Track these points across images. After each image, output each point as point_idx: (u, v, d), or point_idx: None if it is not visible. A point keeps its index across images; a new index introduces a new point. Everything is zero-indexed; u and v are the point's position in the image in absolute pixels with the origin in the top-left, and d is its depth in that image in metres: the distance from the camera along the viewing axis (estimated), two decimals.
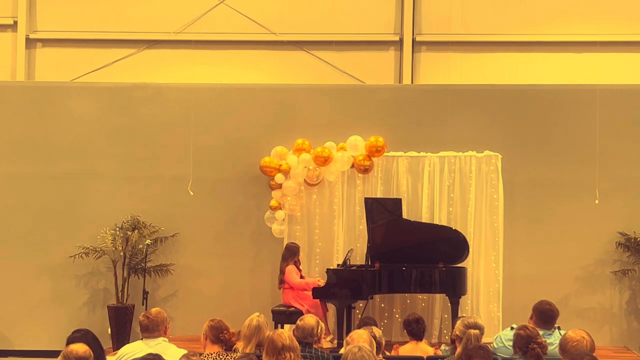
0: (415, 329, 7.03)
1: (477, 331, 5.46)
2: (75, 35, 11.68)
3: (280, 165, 10.14)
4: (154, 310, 5.85)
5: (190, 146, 10.45)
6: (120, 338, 9.70)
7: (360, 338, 5.25)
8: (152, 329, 5.71)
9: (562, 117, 10.37)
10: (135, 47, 11.67)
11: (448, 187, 10.06)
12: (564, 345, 5.16)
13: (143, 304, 9.63)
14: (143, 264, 10.02)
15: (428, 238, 9.40)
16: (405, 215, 9.73)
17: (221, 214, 10.53)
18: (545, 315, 6.41)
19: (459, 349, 5.51)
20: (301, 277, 9.59)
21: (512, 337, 5.72)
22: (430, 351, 6.97)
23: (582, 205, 10.18)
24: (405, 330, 7.25)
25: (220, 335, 5.56)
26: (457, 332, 5.74)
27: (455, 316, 8.81)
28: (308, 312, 8.64)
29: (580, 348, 5.04)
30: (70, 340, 5.20)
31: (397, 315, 9.91)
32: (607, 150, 10.22)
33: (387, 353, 6.66)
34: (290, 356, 4.99)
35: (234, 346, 5.69)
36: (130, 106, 10.71)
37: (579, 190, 10.20)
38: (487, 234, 9.97)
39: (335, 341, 9.21)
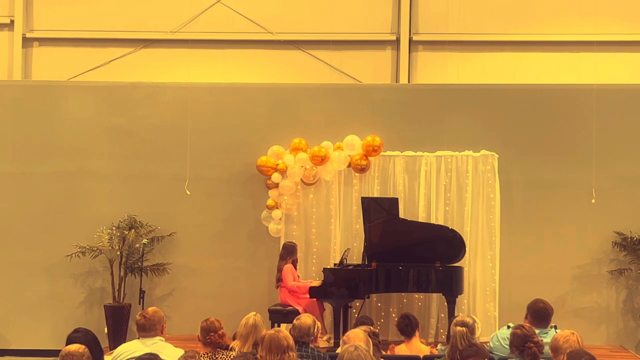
0: (402, 326, 7.03)
1: (462, 329, 5.47)
2: (72, 35, 11.68)
3: (277, 164, 10.15)
4: (150, 309, 5.87)
5: (187, 145, 10.45)
6: (117, 337, 9.70)
7: (356, 337, 5.25)
8: (148, 328, 5.73)
9: (559, 117, 10.38)
10: (132, 46, 11.67)
11: (445, 186, 10.06)
12: (555, 345, 5.18)
13: (140, 303, 9.63)
14: (140, 263, 10.02)
15: (425, 237, 9.41)
16: (402, 215, 9.74)
17: (218, 213, 10.53)
18: (540, 313, 6.44)
19: (447, 348, 5.54)
20: (298, 276, 9.61)
21: (508, 336, 5.73)
22: (426, 350, 6.99)
23: (579, 205, 10.19)
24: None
25: (207, 337, 5.58)
26: (451, 332, 5.76)
27: (451, 315, 8.79)
28: (305, 311, 8.64)
29: (572, 343, 5.07)
30: (70, 340, 5.22)
31: (393, 315, 9.91)
32: (604, 149, 10.24)
33: (384, 352, 6.67)
34: (292, 356, 5.02)
35: (230, 345, 5.70)
36: (127, 105, 10.71)
37: (575, 190, 10.22)
38: (483, 233, 9.99)
39: (332, 340, 9.22)
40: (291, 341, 5.09)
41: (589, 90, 10.33)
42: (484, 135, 10.29)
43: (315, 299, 9.28)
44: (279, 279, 9.45)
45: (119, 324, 9.90)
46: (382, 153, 10.11)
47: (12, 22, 11.73)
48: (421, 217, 9.98)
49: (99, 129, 10.67)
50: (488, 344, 6.42)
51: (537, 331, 5.72)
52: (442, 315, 9.79)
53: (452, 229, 9.49)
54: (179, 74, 11.38)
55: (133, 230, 10.11)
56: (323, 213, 10.23)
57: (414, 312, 8.89)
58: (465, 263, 9.62)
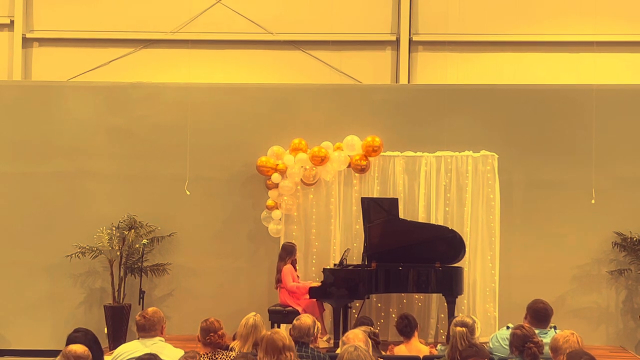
0: (401, 327, 7.04)
1: (462, 329, 5.48)
2: (72, 35, 11.68)
3: (277, 164, 10.15)
4: (150, 309, 5.86)
5: (187, 145, 10.45)
6: (117, 337, 9.70)
7: (356, 337, 5.26)
8: (148, 329, 5.72)
9: (559, 117, 10.38)
10: (132, 46, 11.67)
11: (445, 186, 10.06)
12: (555, 345, 5.18)
13: (140, 304, 9.63)
14: (140, 264, 10.02)
15: (425, 238, 9.41)
16: (401, 215, 9.73)
17: (218, 213, 10.53)
18: (539, 314, 6.44)
19: (447, 348, 5.55)
20: (297, 276, 9.61)
21: (508, 337, 5.73)
22: (426, 350, 6.99)
23: (579, 205, 10.19)
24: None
25: (207, 338, 5.58)
26: (450, 332, 5.77)
27: (451, 316, 8.80)
28: (305, 311, 8.64)
29: (572, 343, 5.07)
30: (70, 340, 5.22)
31: (393, 315, 9.90)
32: (604, 149, 10.23)
33: (383, 352, 6.67)
34: (290, 356, 5.01)
35: (230, 345, 5.71)
36: (127, 106, 10.71)
37: (575, 190, 10.22)
38: (483, 233, 9.98)
39: (332, 341, 9.22)
40: (288, 341, 5.07)
41: (589, 90, 10.33)
42: (484, 135, 10.29)
43: (315, 300, 9.28)
44: (279, 280, 9.45)
45: (119, 324, 9.90)
46: (382, 153, 10.11)
47: (12, 22, 11.73)
48: (421, 218, 9.97)
49: (99, 129, 10.67)
50: (488, 345, 6.42)
51: (536, 331, 5.72)
52: (442, 315, 9.79)
53: (452, 230, 9.49)
54: (179, 74, 11.37)
55: (133, 230, 10.11)
56: (323, 213, 10.23)
57: (414, 313, 8.90)
58: (465, 263, 9.62)
